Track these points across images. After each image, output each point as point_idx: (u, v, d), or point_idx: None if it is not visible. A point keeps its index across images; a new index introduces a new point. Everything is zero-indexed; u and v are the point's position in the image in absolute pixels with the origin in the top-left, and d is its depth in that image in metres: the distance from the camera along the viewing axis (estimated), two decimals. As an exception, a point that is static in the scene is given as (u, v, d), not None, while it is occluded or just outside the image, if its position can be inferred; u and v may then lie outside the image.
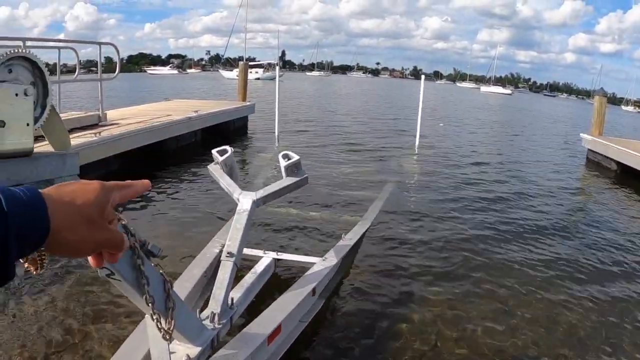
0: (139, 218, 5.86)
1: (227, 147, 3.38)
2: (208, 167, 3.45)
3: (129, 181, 0.77)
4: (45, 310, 3.49)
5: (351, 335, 3.36)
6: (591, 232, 6.11)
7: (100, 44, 8.26)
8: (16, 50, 1.10)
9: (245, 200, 3.05)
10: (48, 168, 1.13)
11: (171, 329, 1.85)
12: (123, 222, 1.61)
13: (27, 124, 1.07)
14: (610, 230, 6.27)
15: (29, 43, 7.09)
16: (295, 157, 3.14)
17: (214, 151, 3.45)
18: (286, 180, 3.14)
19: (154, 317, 1.79)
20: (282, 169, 3.17)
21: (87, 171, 6.57)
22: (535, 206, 7.21)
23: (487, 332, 3.46)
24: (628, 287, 4.47)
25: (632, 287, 4.46)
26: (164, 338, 1.84)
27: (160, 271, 1.84)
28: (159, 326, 1.81)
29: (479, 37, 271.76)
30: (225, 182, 3.24)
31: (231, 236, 2.87)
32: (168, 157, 9.00)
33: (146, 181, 0.82)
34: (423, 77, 12.13)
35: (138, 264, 1.64)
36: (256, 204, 3.09)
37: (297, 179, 3.15)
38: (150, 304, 1.71)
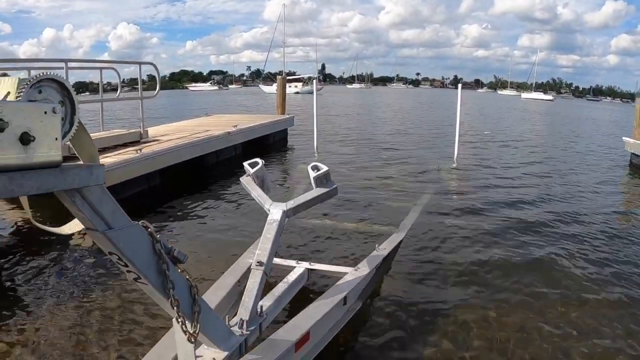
0: (179, 229, 6.02)
1: (258, 159, 3.49)
2: (240, 179, 3.56)
3: None
4: (84, 310, 3.64)
5: (382, 345, 3.36)
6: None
7: (140, 63, 8.55)
8: (44, 73, 1.22)
9: (275, 211, 3.13)
10: (76, 178, 1.23)
11: (196, 332, 1.93)
12: (149, 230, 1.71)
13: (56, 139, 1.18)
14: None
15: (73, 64, 7.42)
16: (324, 168, 3.20)
17: (245, 163, 3.57)
18: (316, 191, 3.21)
19: (179, 320, 1.87)
20: (312, 180, 3.24)
21: (130, 186, 6.80)
22: (577, 213, 6.98)
23: (522, 343, 3.38)
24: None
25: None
26: (189, 340, 1.92)
27: (187, 277, 1.93)
28: (184, 329, 1.89)
29: (520, 42, 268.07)
30: (257, 193, 3.34)
31: (261, 246, 2.95)
32: (209, 172, 9.20)
33: None
34: (460, 86, 12.04)
35: (163, 269, 1.74)
36: (286, 214, 3.16)
37: (327, 189, 3.21)
38: (175, 307, 1.80)
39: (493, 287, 4.33)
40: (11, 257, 4.84)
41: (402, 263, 4.75)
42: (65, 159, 1.38)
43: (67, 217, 1.90)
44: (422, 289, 4.28)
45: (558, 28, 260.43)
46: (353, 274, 3.59)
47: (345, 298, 3.23)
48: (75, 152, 1.58)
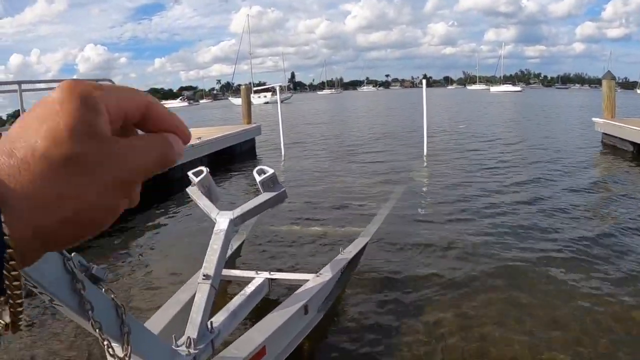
0: (145, 244, 5.82)
1: (203, 168, 3.29)
2: (187, 189, 3.37)
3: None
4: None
5: (351, 353, 3.24)
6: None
7: (96, 81, 8.38)
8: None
9: (222, 220, 2.94)
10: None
11: (127, 355, 1.77)
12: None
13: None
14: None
15: (25, 86, 7.24)
16: (269, 171, 3.02)
17: (189, 173, 3.37)
18: (263, 196, 3.03)
19: (104, 343, 1.71)
20: (259, 185, 3.06)
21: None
22: (553, 200, 6.95)
23: (497, 340, 3.27)
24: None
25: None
26: (120, 365, 1.76)
27: (112, 296, 1.76)
28: (110, 352, 1.73)
29: (486, 37, 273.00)
30: (203, 203, 3.14)
31: (208, 258, 2.76)
32: (175, 185, 8.99)
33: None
34: (424, 81, 12.10)
35: (78, 288, 1.57)
36: (234, 222, 2.97)
37: (274, 193, 3.02)
38: (97, 330, 1.64)
39: (462, 291, 4.15)
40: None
41: (371, 265, 4.62)
42: None
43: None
44: (390, 291, 4.14)
45: (523, 20, 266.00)
46: (315, 281, 3.43)
47: (305, 307, 3.07)
48: None
